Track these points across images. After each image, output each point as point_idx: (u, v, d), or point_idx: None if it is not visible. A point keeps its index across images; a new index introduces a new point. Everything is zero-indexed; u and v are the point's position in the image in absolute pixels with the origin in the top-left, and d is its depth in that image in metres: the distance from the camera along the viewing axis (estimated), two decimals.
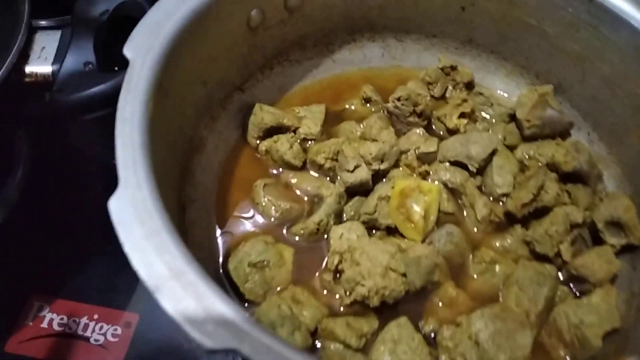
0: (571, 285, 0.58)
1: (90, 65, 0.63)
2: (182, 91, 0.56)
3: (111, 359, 0.68)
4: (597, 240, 0.60)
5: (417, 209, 0.59)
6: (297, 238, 0.61)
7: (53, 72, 0.63)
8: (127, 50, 0.49)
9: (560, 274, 0.59)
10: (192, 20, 0.54)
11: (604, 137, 0.66)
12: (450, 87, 0.75)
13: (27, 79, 0.64)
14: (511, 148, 0.68)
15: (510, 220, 0.62)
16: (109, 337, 0.69)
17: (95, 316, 0.70)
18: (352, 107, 0.74)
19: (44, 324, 0.70)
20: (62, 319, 0.70)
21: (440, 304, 0.57)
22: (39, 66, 0.63)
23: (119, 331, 0.69)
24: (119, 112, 0.46)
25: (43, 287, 0.72)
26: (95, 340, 0.70)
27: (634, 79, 0.60)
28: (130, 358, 0.67)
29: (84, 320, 0.70)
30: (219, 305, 0.36)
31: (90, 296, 0.71)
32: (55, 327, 0.70)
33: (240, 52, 0.67)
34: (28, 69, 0.63)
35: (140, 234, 0.38)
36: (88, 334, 0.70)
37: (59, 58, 0.63)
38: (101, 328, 0.70)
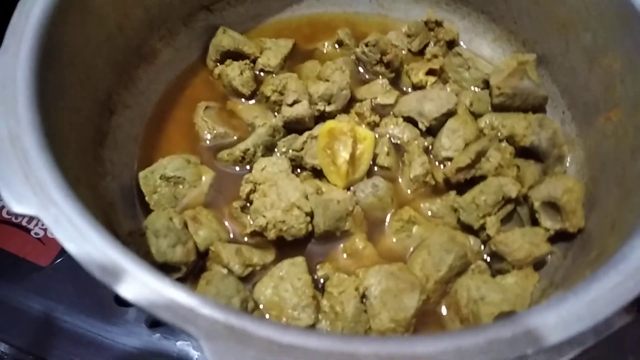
0: (488, 261, 0.53)
1: None
2: None
3: (45, 253, 0.70)
4: (536, 223, 0.54)
5: (343, 153, 0.55)
6: (222, 163, 0.59)
7: None
8: None
9: (483, 249, 0.54)
10: None
11: (577, 117, 0.59)
12: (431, 44, 0.70)
13: None
14: (478, 116, 0.62)
15: (449, 187, 0.57)
16: (49, 234, 0.71)
17: None
18: (324, 49, 0.70)
19: None
20: None
21: (345, 254, 0.54)
22: None
23: None
24: None
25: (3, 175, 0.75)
26: (36, 234, 0.71)
27: (611, 51, 0.53)
28: (63, 254, 0.69)
29: None
30: (42, 173, 0.35)
31: None
32: (4, 214, 0.73)
33: None
34: None
35: None
36: (31, 226, 0.72)
37: None
38: (44, 224, 0.71)
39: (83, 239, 0.32)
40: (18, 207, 0.33)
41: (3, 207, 0.73)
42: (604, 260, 0.37)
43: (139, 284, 0.32)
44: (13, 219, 0.72)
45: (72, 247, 0.32)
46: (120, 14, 0.56)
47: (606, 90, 0.54)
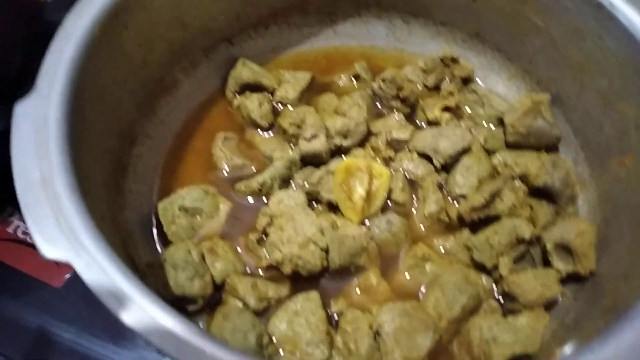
0: (501, 301, 0.53)
1: None
2: (150, 28, 0.57)
3: (58, 273, 0.71)
4: (548, 264, 0.55)
5: (359, 189, 0.56)
6: (239, 195, 0.60)
7: None
8: None
9: (495, 289, 0.54)
10: None
11: (590, 158, 0.60)
12: (447, 80, 0.71)
13: None
14: (491, 153, 0.63)
15: (462, 224, 0.58)
16: None
17: None
18: (340, 82, 0.72)
19: (10, 229, 0.74)
20: (27, 227, 0.74)
21: (358, 289, 0.54)
22: None
23: None
24: (61, 29, 0.47)
25: None
26: None
27: (627, 98, 0.54)
28: (76, 276, 0.70)
29: None
30: (74, 219, 0.36)
31: None
32: (20, 234, 0.74)
33: (232, 4, 0.66)
34: None
35: (30, 139, 0.39)
36: None
37: None
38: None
39: (114, 287, 0.33)
40: (51, 252, 0.34)
41: (18, 226, 0.75)
42: (619, 312, 0.37)
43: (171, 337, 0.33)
44: (28, 239, 0.74)
45: (104, 294, 0.33)
46: (146, 50, 0.58)
47: (620, 135, 0.55)
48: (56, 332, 0.64)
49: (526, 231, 0.53)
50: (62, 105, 0.42)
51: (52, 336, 0.64)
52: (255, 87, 0.68)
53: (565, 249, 0.53)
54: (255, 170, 0.63)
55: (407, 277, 0.55)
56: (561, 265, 0.53)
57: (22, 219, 0.75)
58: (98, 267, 0.34)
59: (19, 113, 0.41)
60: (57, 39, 0.46)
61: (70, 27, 0.47)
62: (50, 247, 0.34)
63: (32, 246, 0.71)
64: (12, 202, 0.75)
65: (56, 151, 0.39)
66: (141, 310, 0.33)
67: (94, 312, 0.65)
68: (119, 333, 0.63)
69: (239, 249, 0.57)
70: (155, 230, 0.57)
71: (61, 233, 0.35)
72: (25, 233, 0.74)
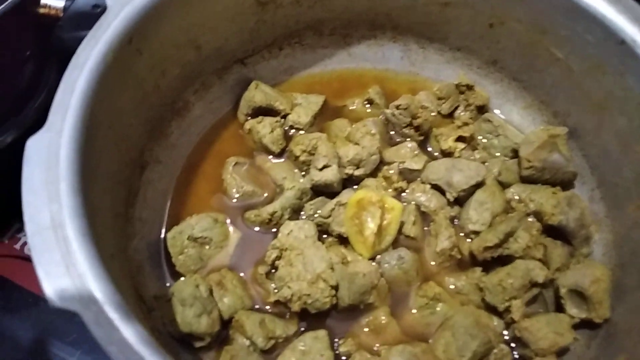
0: (513, 346, 0.53)
1: (98, 9, 0.64)
2: (163, 51, 0.56)
3: None
4: (560, 307, 0.54)
5: (371, 224, 0.55)
6: (248, 224, 0.59)
7: (65, 7, 0.65)
8: None
9: (506, 332, 0.53)
10: None
11: (606, 197, 0.59)
12: (461, 107, 0.70)
13: (40, 10, 0.66)
14: (505, 186, 0.62)
15: (474, 261, 0.57)
16: None
17: None
18: (353, 106, 0.71)
19: (17, 246, 0.73)
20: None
21: (367, 328, 0.54)
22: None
23: None
24: (75, 57, 0.46)
25: None
26: None
27: None
28: None
29: None
30: (83, 266, 0.35)
31: None
32: (26, 251, 0.73)
33: (246, 25, 0.65)
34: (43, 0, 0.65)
35: (40, 178, 0.39)
36: None
37: None
38: None
39: (122, 343, 0.32)
40: (59, 302, 0.33)
41: (25, 243, 0.74)
42: None
43: None
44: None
45: (112, 350, 0.32)
46: (158, 74, 0.57)
47: (639, 178, 0.54)
48: (61, 355, 0.63)
49: (540, 275, 0.52)
50: (73, 140, 0.41)
51: (56, 358, 0.63)
52: (267, 111, 0.67)
53: (579, 295, 0.52)
54: (265, 197, 0.62)
55: (417, 316, 0.54)
56: (575, 311, 0.52)
57: None
58: (106, 321, 0.33)
59: (30, 149, 0.40)
60: (69, 68, 0.45)
61: (83, 55, 0.46)
62: (59, 298, 0.33)
63: None
64: (19, 218, 0.75)
65: (66, 192, 0.38)
66: None
67: None
68: None
69: (244, 278, 0.56)
70: (164, 260, 0.57)
71: (70, 282, 0.34)
72: (29, 250, 0.73)
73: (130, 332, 0.33)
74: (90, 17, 0.64)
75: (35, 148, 0.40)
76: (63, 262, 0.35)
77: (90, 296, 0.34)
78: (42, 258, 0.35)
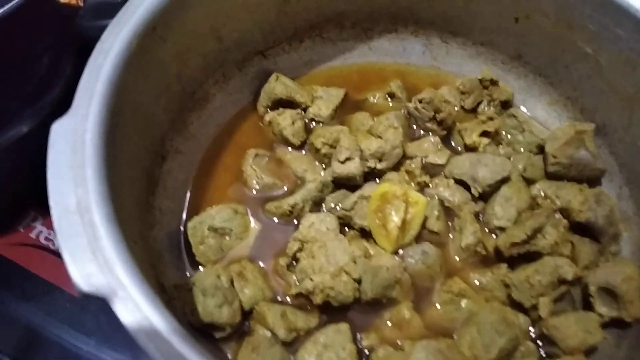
0: (540, 344, 0.51)
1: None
2: (186, 40, 0.55)
3: None
4: (588, 305, 0.52)
5: (395, 217, 0.54)
6: (268, 215, 0.59)
7: None
8: None
9: (532, 329, 0.52)
10: None
11: (635, 195, 0.58)
12: (485, 102, 0.69)
13: (61, 0, 0.65)
14: (530, 182, 0.61)
15: (499, 257, 0.56)
16: None
17: None
18: (374, 100, 0.70)
19: (33, 234, 0.73)
20: (49, 234, 0.73)
21: (390, 322, 0.52)
22: None
23: None
24: (99, 43, 0.46)
25: (44, 200, 0.75)
26: None
27: None
28: None
29: None
30: (110, 252, 0.34)
31: None
32: (42, 240, 0.73)
33: (267, 17, 0.64)
34: None
35: (66, 162, 0.38)
36: None
37: None
38: None
39: (151, 328, 0.32)
40: (86, 287, 0.32)
41: (41, 232, 0.74)
42: None
43: None
44: (50, 245, 0.73)
45: (141, 337, 0.31)
46: (181, 63, 0.57)
47: None
48: (75, 343, 0.63)
49: (569, 272, 0.51)
50: (99, 125, 0.41)
51: (72, 347, 0.63)
52: (287, 103, 0.66)
53: (609, 293, 0.50)
54: (285, 190, 0.61)
55: (441, 312, 0.53)
56: (604, 309, 0.51)
57: (44, 224, 0.74)
58: (134, 306, 0.33)
59: (55, 133, 0.39)
60: (94, 54, 0.45)
61: (108, 41, 0.45)
62: (87, 283, 0.33)
63: (55, 253, 0.71)
64: (35, 207, 0.75)
65: (92, 176, 0.38)
66: (177, 355, 0.31)
67: (114, 324, 0.63)
68: (139, 348, 0.62)
69: (265, 269, 0.55)
70: (183, 250, 0.56)
71: (97, 267, 0.34)
72: (48, 239, 0.73)
73: (158, 319, 0.32)
74: (110, 7, 0.63)
75: (61, 132, 0.40)
76: (89, 247, 0.34)
77: (118, 282, 0.33)
78: (68, 242, 0.34)
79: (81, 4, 0.65)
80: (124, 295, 0.33)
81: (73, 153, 0.38)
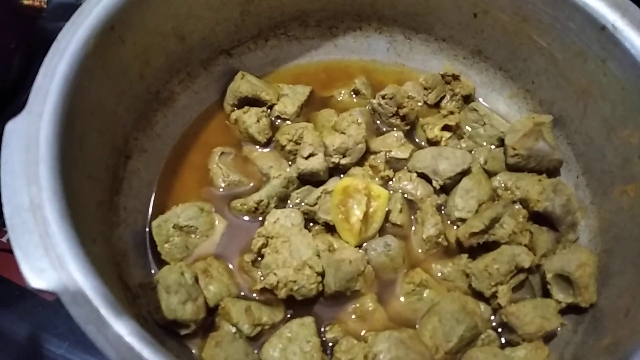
0: (500, 331, 0.52)
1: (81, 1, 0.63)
2: (147, 40, 0.56)
3: None
4: (547, 293, 0.54)
5: (357, 211, 0.55)
6: (235, 213, 0.59)
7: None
8: None
9: (493, 318, 0.53)
10: None
11: (591, 184, 0.59)
12: (447, 97, 0.70)
13: (24, 1, 0.65)
14: (491, 174, 0.62)
15: (460, 248, 0.57)
16: None
17: None
18: (340, 97, 0.71)
19: (4, 239, 0.72)
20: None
21: (354, 315, 0.53)
22: None
23: None
24: (55, 43, 0.46)
25: None
26: None
27: (630, 126, 0.53)
28: None
29: None
30: (62, 248, 0.35)
31: None
32: None
33: (231, 16, 0.65)
34: None
35: (19, 160, 0.38)
36: None
37: None
38: None
39: (100, 323, 0.32)
40: (37, 282, 0.33)
41: None
42: (620, 354, 0.36)
43: None
44: None
45: (90, 329, 0.32)
46: (142, 62, 0.57)
47: (624, 163, 0.54)
48: (48, 346, 0.63)
49: (526, 260, 0.52)
50: (53, 124, 0.41)
51: (44, 350, 0.63)
52: (253, 101, 0.67)
53: (566, 280, 0.52)
54: (251, 187, 0.62)
55: (404, 302, 0.54)
56: (561, 296, 0.52)
57: None
58: (84, 300, 0.33)
59: (9, 132, 0.39)
60: (50, 53, 0.45)
61: (64, 40, 0.46)
62: (37, 278, 0.33)
63: None
64: None
65: (46, 174, 0.38)
66: (127, 348, 0.32)
67: None
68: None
69: (231, 267, 0.56)
70: (149, 249, 0.56)
71: (49, 262, 0.34)
72: None
73: (107, 311, 0.33)
74: (74, 8, 0.63)
75: (15, 131, 0.40)
76: (42, 243, 0.34)
77: (69, 277, 0.33)
78: (20, 239, 0.35)
79: (44, 6, 0.65)
80: (74, 290, 0.33)
81: (27, 151, 0.39)
